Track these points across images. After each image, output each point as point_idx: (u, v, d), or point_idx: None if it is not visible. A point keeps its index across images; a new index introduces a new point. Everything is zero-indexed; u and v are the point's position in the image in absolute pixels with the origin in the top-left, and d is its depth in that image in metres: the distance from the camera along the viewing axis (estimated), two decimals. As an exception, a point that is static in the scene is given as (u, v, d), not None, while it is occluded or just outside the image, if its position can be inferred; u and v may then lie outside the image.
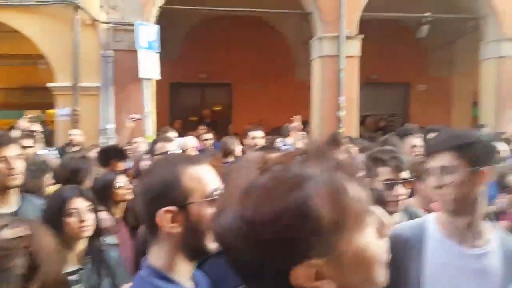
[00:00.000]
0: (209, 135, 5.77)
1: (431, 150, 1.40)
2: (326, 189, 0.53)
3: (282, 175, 0.55)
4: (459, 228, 1.34)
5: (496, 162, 1.39)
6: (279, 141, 5.07)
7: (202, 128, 7.34)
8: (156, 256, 1.01)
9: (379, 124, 11.15)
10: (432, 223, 1.41)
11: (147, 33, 6.41)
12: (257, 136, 3.97)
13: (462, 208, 1.32)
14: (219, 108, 11.79)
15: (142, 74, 6.26)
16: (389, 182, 1.89)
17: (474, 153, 1.30)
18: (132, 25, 6.38)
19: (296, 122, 3.84)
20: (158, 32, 6.56)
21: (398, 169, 1.91)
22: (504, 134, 5.80)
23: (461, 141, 1.32)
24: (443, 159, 1.32)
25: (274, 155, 0.60)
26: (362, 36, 7.50)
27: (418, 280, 1.34)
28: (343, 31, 7.30)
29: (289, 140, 4.58)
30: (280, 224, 0.52)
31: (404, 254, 1.37)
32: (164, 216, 0.97)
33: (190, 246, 1.00)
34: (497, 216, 2.86)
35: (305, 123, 7.95)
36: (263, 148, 3.92)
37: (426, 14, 8.17)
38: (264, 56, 10.40)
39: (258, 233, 0.53)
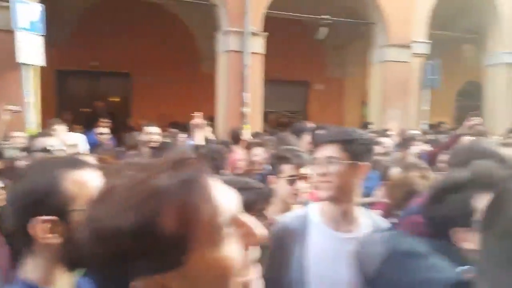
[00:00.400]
0: (105, 129, 5.35)
1: (319, 142, 1.56)
2: (175, 205, 0.52)
3: (135, 186, 0.53)
4: (336, 215, 1.50)
5: (373, 159, 1.54)
6: (184, 137, 4.93)
7: (103, 121, 6.79)
8: (30, 269, 0.92)
9: (280, 120, 11.63)
10: (314, 212, 1.56)
11: (28, 12, 5.60)
12: (153, 132, 3.76)
13: (341, 196, 1.47)
14: (117, 99, 11.06)
15: (21, 59, 5.46)
16: (292, 178, 2.05)
17: (355, 149, 1.47)
18: (8, 1, 5.54)
19: (197, 119, 3.70)
20: (43, 12, 5.80)
21: (299, 165, 2.06)
22: (389, 131, 6.44)
23: (345, 137, 1.48)
24: (328, 151, 1.47)
25: (143, 161, 0.58)
26: (266, 34, 7.68)
27: (302, 264, 1.49)
28: (248, 27, 7.38)
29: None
30: (121, 240, 0.51)
31: (290, 242, 1.51)
32: (40, 226, 0.88)
33: (71, 257, 0.89)
34: (372, 204, 3.14)
35: (212, 118, 7.90)
36: (162, 145, 3.77)
37: (324, 16, 8.69)
38: (167, 46, 10.02)
39: (99, 246, 0.52)
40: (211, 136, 5.64)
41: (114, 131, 7.41)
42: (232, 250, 0.55)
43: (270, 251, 1.56)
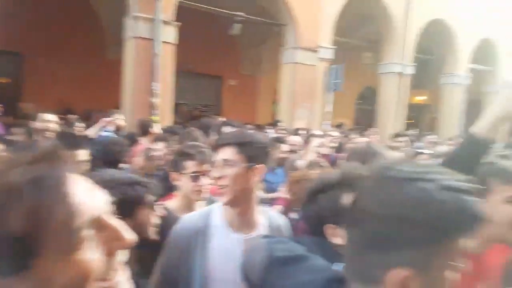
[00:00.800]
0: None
1: (217, 144, 1.54)
2: (23, 204, 0.47)
3: None
4: (235, 216, 1.51)
5: (270, 162, 1.57)
6: (81, 127, 4.55)
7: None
8: None
9: (192, 113, 11.43)
10: (216, 213, 1.55)
11: None
12: (49, 120, 3.41)
13: (238, 198, 1.47)
14: (6, 81, 9.78)
15: None
16: (195, 174, 2.03)
17: (251, 151, 1.47)
18: None
19: (108, 119, 3.46)
20: None
21: (202, 161, 2.04)
22: (301, 130, 6.72)
23: (241, 139, 1.49)
24: (225, 153, 1.47)
25: (11, 154, 0.52)
26: (179, 23, 7.43)
27: (204, 266, 1.47)
28: (159, 14, 7.06)
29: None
30: None
31: (192, 243, 1.49)
32: None
33: None
34: (275, 200, 3.25)
35: (117, 108, 7.41)
36: (60, 134, 3.43)
37: (238, 13, 8.72)
38: (68, 28, 9.17)
39: None
40: (123, 124, 5.31)
41: (2, 116, 6.61)
42: (91, 253, 0.51)
43: (168, 249, 1.52)
